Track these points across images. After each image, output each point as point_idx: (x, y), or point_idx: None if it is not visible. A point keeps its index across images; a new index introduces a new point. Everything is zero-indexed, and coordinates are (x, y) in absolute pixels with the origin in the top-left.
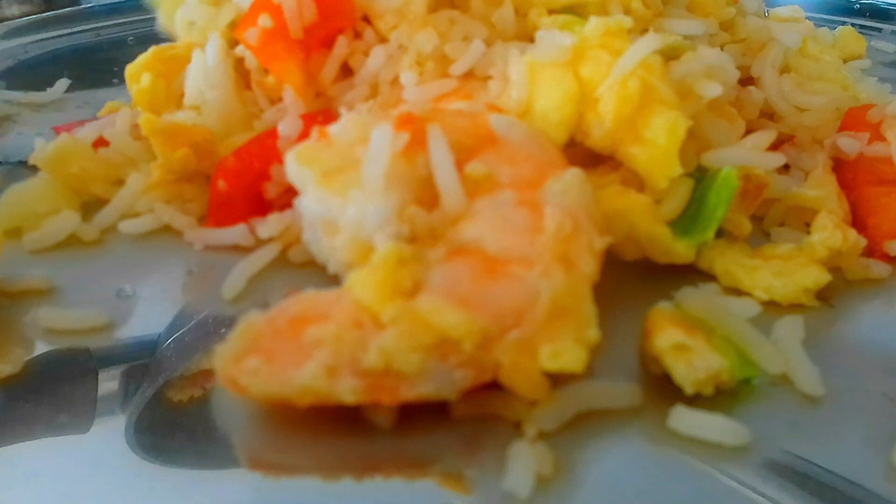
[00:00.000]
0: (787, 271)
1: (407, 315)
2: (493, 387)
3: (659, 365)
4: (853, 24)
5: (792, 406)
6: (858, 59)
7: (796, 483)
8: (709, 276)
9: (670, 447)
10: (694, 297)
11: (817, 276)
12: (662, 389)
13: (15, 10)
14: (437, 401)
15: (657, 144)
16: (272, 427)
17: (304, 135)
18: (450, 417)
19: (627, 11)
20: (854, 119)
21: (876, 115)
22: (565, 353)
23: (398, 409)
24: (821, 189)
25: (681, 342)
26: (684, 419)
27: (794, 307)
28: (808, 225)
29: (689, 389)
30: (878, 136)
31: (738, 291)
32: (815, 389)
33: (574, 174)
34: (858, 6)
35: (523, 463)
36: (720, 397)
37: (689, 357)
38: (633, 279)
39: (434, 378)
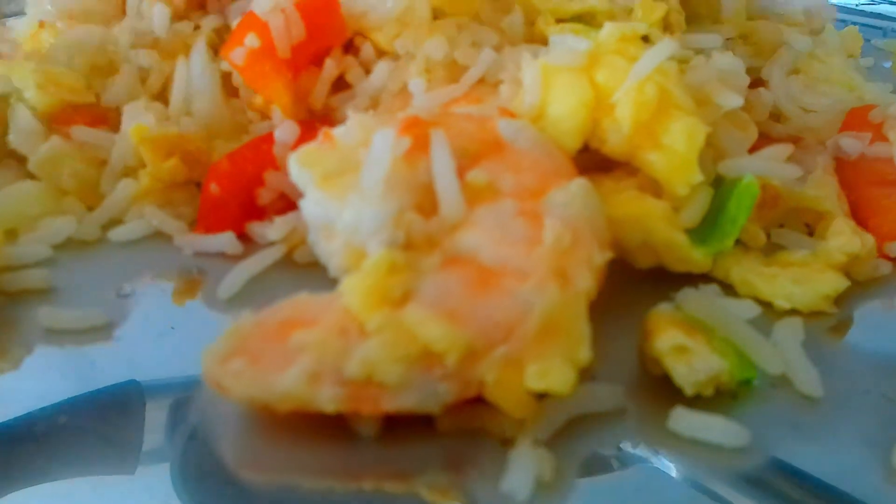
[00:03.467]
0: (805, 278)
1: (392, 325)
2: (480, 401)
3: (659, 366)
4: (854, 23)
5: (792, 407)
6: (857, 58)
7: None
8: (709, 278)
9: (670, 448)
10: (694, 299)
11: (836, 283)
12: (663, 391)
13: (13, 6)
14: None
15: (676, 151)
16: (275, 432)
17: (301, 141)
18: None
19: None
20: (856, 119)
21: (878, 116)
22: (552, 373)
23: (384, 419)
24: (820, 189)
25: (681, 344)
26: (684, 420)
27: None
28: (808, 226)
29: (689, 391)
30: (880, 136)
31: (757, 300)
32: (814, 391)
33: (579, 185)
34: (858, 5)
35: (523, 466)
36: (720, 398)
37: (690, 358)
38: (633, 280)
39: (416, 391)
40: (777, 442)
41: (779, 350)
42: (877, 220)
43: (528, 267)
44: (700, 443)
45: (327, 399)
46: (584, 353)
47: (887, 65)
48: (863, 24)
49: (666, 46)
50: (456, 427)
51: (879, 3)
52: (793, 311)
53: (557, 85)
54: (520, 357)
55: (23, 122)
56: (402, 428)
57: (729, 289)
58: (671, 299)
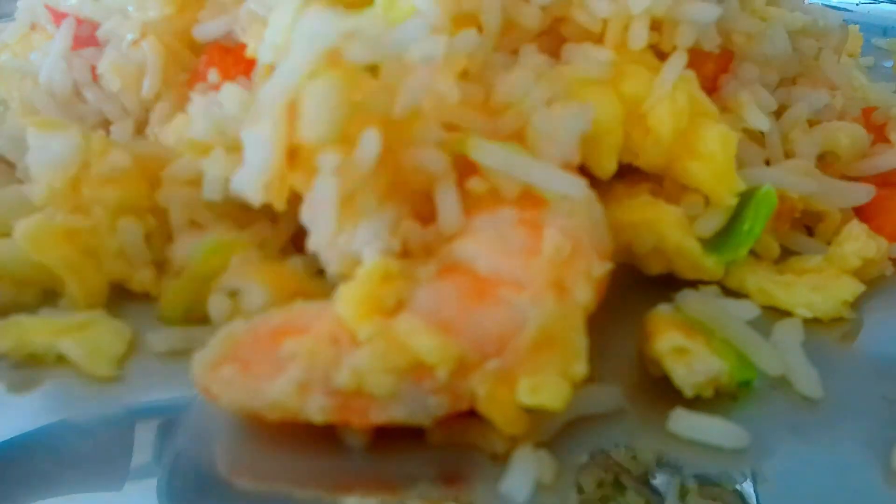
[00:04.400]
0: (822, 285)
1: (383, 334)
2: (473, 414)
3: (659, 367)
4: (854, 22)
5: (791, 408)
6: (857, 58)
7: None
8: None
9: (669, 450)
10: (694, 300)
11: (853, 287)
12: (662, 392)
13: (13, 6)
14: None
15: (716, 159)
16: (264, 441)
17: None
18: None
19: None
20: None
21: (880, 118)
22: (546, 388)
23: (375, 430)
24: None
25: (680, 345)
26: (684, 422)
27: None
28: (807, 228)
29: (688, 392)
30: (882, 137)
31: (775, 310)
32: (814, 392)
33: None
34: (858, 3)
35: (523, 467)
36: (720, 400)
37: (689, 360)
38: (632, 281)
39: (406, 403)
40: (777, 443)
41: (778, 351)
42: (879, 221)
43: (525, 277)
44: (699, 444)
45: (316, 409)
46: (580, 368)
47: (888, 64)
48: (863, 23)
49: (683, 56)
50: (447, 441)
51: (880, 1)
52: (814, 321)
53: (583, 99)
54: (513, 371)
55: (10, 128)
56: (393, 439)
57: (730, 292)
58: (671, 300)
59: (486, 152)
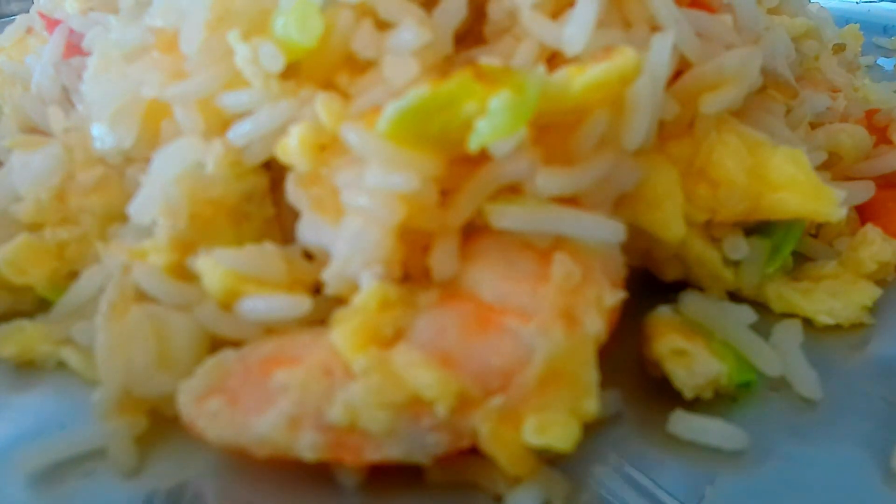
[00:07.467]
0: (840, 291)
1: (380, 367)
2: (474, 451)
3: (659, 369)
4: (854, 20)
5: (790, 410)
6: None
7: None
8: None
9: (669, 451)
10: (693, 302)
11: (871, 292)
12: (662, 394)
13: (13, 6)
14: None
15: (798, 180)
16: (252, 479)
17: None
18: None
19: None
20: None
21: (882, 119)
22: (554, 427)
23: (370, 467)
24: None
25: (680, 347)
26: (684, 423)
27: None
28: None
29: (688, 394)
30: (885, 139)
31: (794, 316)
32: (813, 393)
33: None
34: (858, 2)
35: (530, 487)
36: (719, 401)
37: (689, 362)
38: (633, 282)
39: (403, 440)
40: (776, 444)
41: (778, 352)
42: (881, 221)
43: (532, 306)
44: (699, 446)
45: (307, 446)
46: (591, 405)
47: (888, 62)
48: (864, 22)
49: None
50: (446, 480)
51: (880, 0)
52: (836, 327)
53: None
54: (518, 408)
55: (4, 131)
56: (389, 478)
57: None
58: (671, 301)
59: (508, 216)
